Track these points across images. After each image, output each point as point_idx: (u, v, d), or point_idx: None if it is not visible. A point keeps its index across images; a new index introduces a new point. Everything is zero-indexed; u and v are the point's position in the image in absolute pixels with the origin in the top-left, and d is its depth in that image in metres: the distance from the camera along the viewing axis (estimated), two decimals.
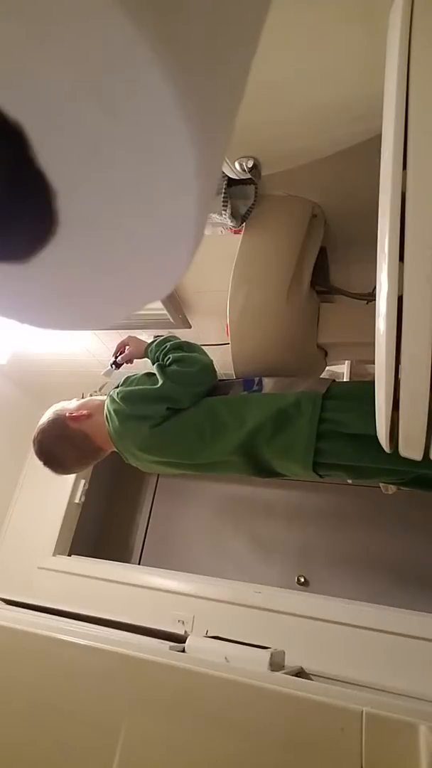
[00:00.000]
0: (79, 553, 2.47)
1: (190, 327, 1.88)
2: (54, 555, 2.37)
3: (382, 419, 0.58)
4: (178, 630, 1.33)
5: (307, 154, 1.06)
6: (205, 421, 1.01)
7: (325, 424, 0.93)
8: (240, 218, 1.21)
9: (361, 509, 2.57)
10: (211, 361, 1.09)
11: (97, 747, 0.70)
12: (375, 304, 0.54)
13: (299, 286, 1.23)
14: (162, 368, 1.05)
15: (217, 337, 1.63)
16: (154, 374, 1.07)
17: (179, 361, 1.06)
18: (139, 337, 1.26)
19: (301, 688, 0.68)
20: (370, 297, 1.29)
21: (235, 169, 1.02)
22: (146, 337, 1.32)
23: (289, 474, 1.04)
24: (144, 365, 1.15)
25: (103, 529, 2.95)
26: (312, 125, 0.96)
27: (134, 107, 0.15)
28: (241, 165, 1.01)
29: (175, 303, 1.76)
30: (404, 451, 0.57)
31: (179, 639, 1.01)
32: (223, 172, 1.05)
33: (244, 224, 1.24)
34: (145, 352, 1.18)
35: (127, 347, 1.24)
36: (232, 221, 1.20)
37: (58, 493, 2.51)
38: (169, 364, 1.06)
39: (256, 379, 1.08)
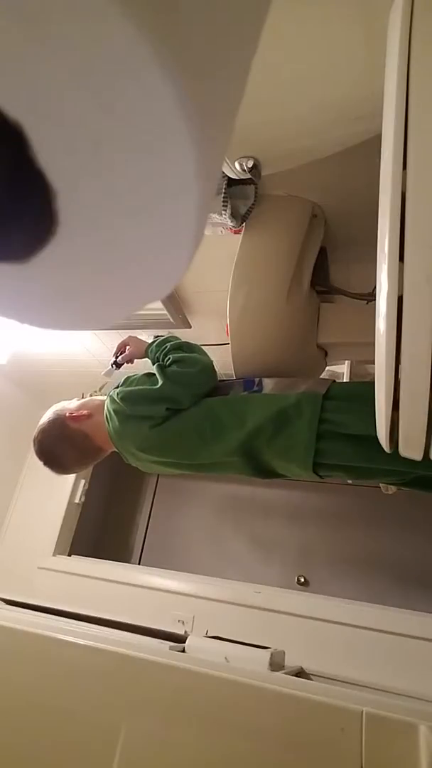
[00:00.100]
0: (79, 553, 2.47)
1: (190, 327, 1.88)
2: (54, 555, 2.37)
3: (382, 419, 0.58)
4: (178, 630, 1.33)
5: (307, 154, 1.06)
6: (205, 422, 1.01)
7: (325, 425, 0.93)
8: (240, 218, 1.21)
9: (361, 509, 2.57)
10: (212, 361, 1.09)
11: (97, 747, 0.70)
12: (375, 304, 0.54)
13: (299, 286, 1.23)
14: (162, 369, 1.05)
15: (217, 337, 1.63)
16: (154, 374, 1.07)
17: (179, 361, 1.06)
18: (140, 337, 1.26)
19: (301, 688, 0.68)
20: (370, 297, 1.29)
21: (235, 169, 1.02)
22: (146, 337, 1.32)
23: (289, 474, 1.04)
24: (144, 365, 1.15)
25: (103, 529, 2.95)
26: (312, 125, 0.96)
27: (134, 107, 0.15)
28: (241, 165, 1.01)
29: (175, 303, 1.76)
30: (404, 451, 0.57)
31: (179, 639, 1.01)
32: (223, 172, 1.05)
33: (244, 224, 1.24)
34: (146, 352, 1.18)
35: (127, 347, 1.24)
36: (232, 221, 1.20)
37: (58, 493, 2.51)
38: (169, 365, 1.06)
39: (257, 380, 1.08)
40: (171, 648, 0.86)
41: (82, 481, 2.56)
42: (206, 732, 0.67)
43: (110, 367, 1.26)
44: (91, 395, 1.20)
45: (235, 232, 1.26)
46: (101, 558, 2.42)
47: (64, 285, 0.22)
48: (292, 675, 0.97)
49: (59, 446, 1.11)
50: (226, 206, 1.17)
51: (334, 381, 1.03)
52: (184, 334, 1.53)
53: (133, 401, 1.04)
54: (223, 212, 1.17)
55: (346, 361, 1.63)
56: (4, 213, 0.18)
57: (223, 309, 1.25)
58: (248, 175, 1.02)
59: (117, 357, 1.25)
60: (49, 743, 0.73)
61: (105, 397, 1.12)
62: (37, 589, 2.21)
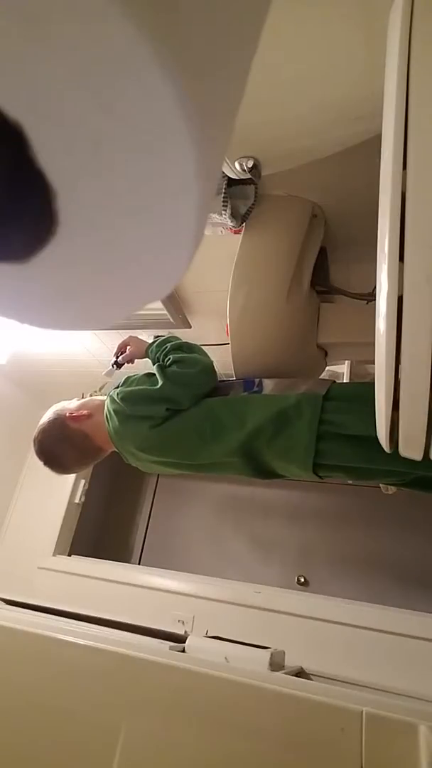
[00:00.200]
0: (79, 553, 2.47)
1: (190, 327, 1.88)
2: (54, 555, 2.37)
3: (382, 419, 0.58)
4: (178, 630, 1.33)
5: (307, 154, 1.06)
6: (205, 422, 1.01)
7: (325, 426, 0.93)
8: (240, 218, 1.21)
9: (361, 509, 2.57)
10: (212, 362, 1.09)
11: (97, 747, 0.70)
12: (375, 304, 0.54)
13: (299, 286, 1.23)
14: (162, 369, 1.05)
15: (217, 337, 1.63)
16: (154, 375, 1.07)
17: (179, 362, 1.06)
18: (140, 337, 1.26)
19: (301, 688, 0.68)
20: (370, 297, 1.29)
21: (235, 169, 1.02)
22: (146, 337, 1.32)
23: (289, 475, 1.04)
24: (145, 365, 1.15)
25: (103, 529, 2.95)
26: (312, 125, 0.96)
27: (134, 107, 0.15)
28: (241, 165, 1.01)
29: (175, 303, 1.76)
30: (404, 451, 0.57)
31: (179, 639, 1.01)
32: (223, 172, 1.05)
33: (244, 224, 1.24)
34: (146, 352, 1.18)
35: (128, 347, 1.24)
36: (232, 221, 1.20)
37: (58, 493, 2.51)
38: (170, 365, 1.06)
39: (257, 380, 1.08)
40: (171, 648, 0.86)
41: (82, 481, 2.56)
42: (206, 732, 0.67)
43: (111, 367, 1.26)
44: (91, 395, 1.20)
45: (235, 232, 1.26)
46: (101, 558, 2.42)
47: (64, 285, 0.22)
48: (292, 675, 0.97)
49: (59, 446, 1.11)
50: (226, 206, 1.17)
51: (334, 381, 1.03)
52: (184, 334, 1.53)
53: (133, 401, 1.04)
54: (223, 212, 1.17)
55: (346, 361, 1.63)
56: (4, 213, 0.18)
57: (223, 309, 1.25)
58: (248, 175, 1.02)
59: (117, 357, 1.25)
60: (49, 743, 0.73)
61: (105, 397, 1.12)
62: (37, 589, 2.21)
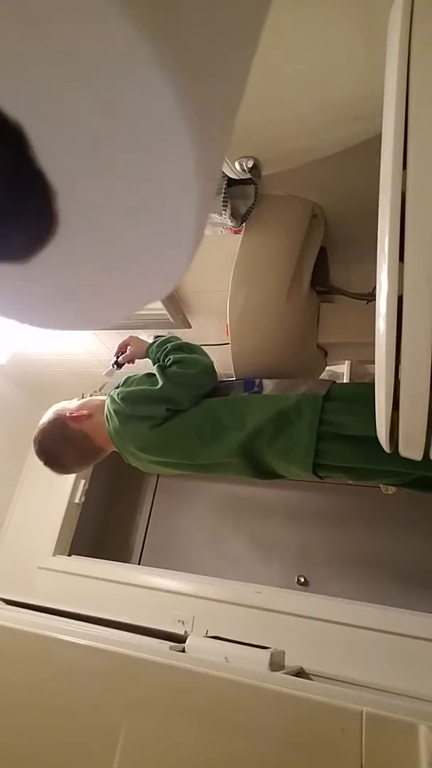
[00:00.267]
0: (79, 553, 2.47)
1: (190, 327, 1.88)
2: (54, 555, 2.37)
3: (382, 419, 0.58)
4: (178, 630, 1.33)
5: (307, 154, 1.06)
6: (206, 422, 1.01)
7: (325, 426, 0.93)
8: (240, 218, 1.21)
9: (361, 509, 2.57)
10: (212, 362, 1.09)
11: (97, 747, 0.70)
12: (375, 304, 0.54)
13: (299, 286, 1.23)
14: (162, 369, 1.05)
15: (217, 337, 1.63)
16: (154, 375, 1.07)
17: (180, 362, 1.06)
18: (140, 337, 1.26)
19: (301, 688, 0.68)
20: (370, 297, 1.29)
21: (235, 169, 1.02)
22: (146, 337, 1.32)
23: (289, 475, 1.04)
24: (145, 365, 1.15)
25: (103, 529, 2.95)
26: (312, 125, 0.96)
27: (134, 107, 0.15)
28: (241, 165, 1.01)
29: (175, 303, 1.76)
30: (404, 451, 0.57)
31: (179, 639, 1.01)
32: (223, 172, 1.05)
33: (244, 224, 1.24)
34: (146, 352, 1.18)
35: (128, 347, 1.24)
36: (232, 221, 1.20)
37: (58, 493, 2.51)
38: (170, 366, 1.06)
39: (257, 381, 1.08)
40: (171, 648, 0.86)
41: (82, 481, 2.56)
42: (206, 732, 0.67)
43: (111, 367, 1.26)
44: (91, 395, 1.20)
45: (235, 232, 1.26)
46: (101, 558, 2.42)
47: (64, 285, 0.22)
48: (292, 675, 0.97)
49: (59, 446, 1.11)
50: (226, 206, 1.17)
51: (335, 382, 1.03)
52: (184, 334, 1.53)
53: (134, 401, 1.04)
54: (223, 212, 1.17)
55: (346, 361, 1.63)
56: (4, 213, 0.18)
57: (223, 309, 1.25)
58: (248, 175, 1.02)
59: (118, 357, 1.25)
60: (49, 743, 0.73)
61: (105, 397, 1.12)
62: (37, 589, 2.21)
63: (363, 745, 0.60)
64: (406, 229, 0.47)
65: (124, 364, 1.25)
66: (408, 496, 1.42)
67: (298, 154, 1.06)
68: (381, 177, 0.51)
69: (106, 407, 1.08)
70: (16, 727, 0.76)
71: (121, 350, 1.25)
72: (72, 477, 2.48)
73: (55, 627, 0.87)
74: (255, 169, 1.01)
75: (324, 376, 1.45)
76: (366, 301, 1.29)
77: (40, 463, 1.12)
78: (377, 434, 0.61)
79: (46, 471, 1.13)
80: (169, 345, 1.12)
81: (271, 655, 0.94)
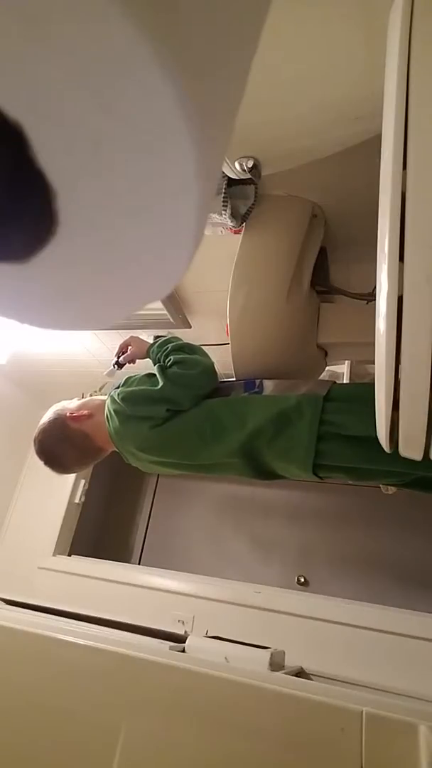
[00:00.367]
0: (79, 553, 2.47)
1: (190, 327, 1.88)
2: (54, 555, 2.37)
3: (382, 419, 0.58)
4: (178, 630, 1.33)
5: (307, 154, 1.06)
6: (206, 423, 1.01)
7: (325, 426, 0.93)
8: (240, 218, 1.21)
9: (361, 509, 2.57)
10: (212, 363, 1.10)
11: (97, 747, 0.70)
12: (375, 304, 0.54)
13: (299, 286, 1.23)
14: (163, 370, 1.05)
15: (217, 337, 1.63)
16: (154, 375, 1.07)
17: (180, 363, 1.06)
18: (140, 337, 1.26)
19: (301, 688, 0.68)
20: (370, 297, 1.29)
21: (235, 169, 1.02)
22: (146, 337, 1.32)
23: (289, 476, 1.04)
24: (146, 366, 1.15)
25: (103, 529, 2.95)
26: (312, 125, 0.96)
27: (134, 107, 0.15)
28: (241, 165, 1.01)
29: (175, 303, 1.76)
30: (404, 451, 0.57)
31: (179, 639, 1.01)
32: (223, 172, 1.05)
33: (244, 224, 1.24)
34: (147, 352, 1.18)
35: (129, 347, 1.24)
36: (232, 221, 1.20)
37: (58, 493, 2.51)
38: (170, 366, 1.06)
39: (257, 381, 1.08)
40: (171, 648, 0.86)
41: (82, 481, 2.56)
42: (206, 732, 0.67)
43: (112, 367, 1.26)
44: (91, 395, 1.20)
45: (235, 232, 1.26)
46: (101, 558, 2.42)
47: (64, 285, 0.22)
48: (292, 675, 0.97)
49: (60, 446, 1.11)
50: (226, 206, 1.17)
51: (335, 382, 1.03)
52: (184, 334, 1.53)
53: (134, 402, 1.04)
54: (223, 212, 1.17)
55: (346, 361, 1.63)
56: (4, 213, 0.18)
57: (223, 309, 1.25)
58: (248, 175, 1.02)
59: (119, 357, 1.25)
60: (49, 743, 0.73)
61: (105, 396, 1.12)
62: (37, 589, 2.21)
63: (363, 745, 0.60)
64: (406, 229, 0.47)
65: (125, 364, 1.25)
66: (408, 496, 1.42)
67: (298, 154, 1.06)
68: (381, 177, 0.51)
69: (106, 407, 1.08)
70: (16, 727, 0.76)
71: (122, 350, 1.25)
72: (72, 477, 2.48)
73: (55, 627, 0.87)
74: (255, 169, 1.01)
75: (324, 376, 1.45)
76: (366, 301, 1.29)
77: (40, 463, 1.12)
78: (377, 434, 0.61)
79: (46, 471, 1.13)
80: (170, 345, 1.12)
81: (271, 655, 0.94)
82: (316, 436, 0.93)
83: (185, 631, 1.32)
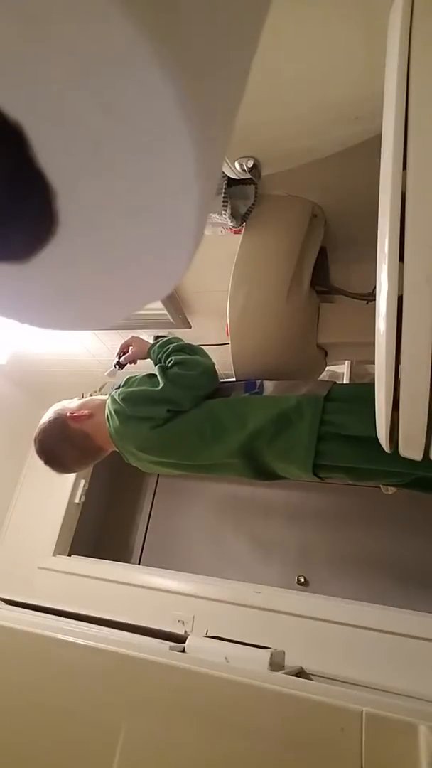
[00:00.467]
0: (79, 553, 2.47)
1: (190, 327, 1.88)
2: (54, 555, 2.37)
3: (382, 419, 0.58)
4: (178, 630, 1.33)
5: (307, 154, 1.06)
6: (206, 423, 1.01)
7: (325, 426, 0.93)
8: (240, 218, 1.21)
9: (361, 509, 2.57)
10: (213, 363, 1.10)
11: (97, 747, 0.70)
12: (375, 304, 0.54)
13: (299, 286, 1.23)
14: (163, 370, 1.05)
15: (217, 337, 1.63)
16: (155, 375, 1.07)
17: (181, 363, 1.06)
18: (141, 337, 1.26)
19: (301, 688, 0.68)
20: (370, 297, 1.29)
21: (235, 169, 1.02)
22: (147, 337, 1.32)
23: (289, 476, 1.04)
24: (147, 366, 1.15)
25: (103, 529, 2.95)
26: (312, 125, 0.96)
27: (134, 107, 0.15)
28: (241, 165, 1.01)
29: (175, 303, 1.76)
30: (404, 451, 0.57)
31: (179, 639, 1.01)
32: (223, 172, 1.05)
33: (244, 224, 1.24)
34: (148, 353, 1.18)
35: (130, 348, 1.24)
36: (232, 221, 1.20)
37: (58, 493, 2.51)
38: (171, 367, 1.06)
39: (258, 382, 1.08)
40: (171, 648, 0.86)
41: (82, 481, 2.56)
42: (206, 732, 0.67)
43: (113, 367, 1.26)
44: (91, 395, 1.20)
45: (235, 232, 1.26)
46: (101, 558, 2.42)
47: (64, 285, 0.22)
48: (292, 675, 0.97)
49: (60, 446, 1.11)
50: (226, 206, 1.17)
51: (335, 383, 1.03)
52: (184, 334, 1.53)
53: (134, 402, 1.04)
54: (223, 212, 1.17)
55: (346, 361, 1.63)
56: (4, 213, 0.18)
57: (223, 309, 1.25)
58: (248, 175, 1.02)
59: (120, 357, 1.25)
60: (49, 743, 0.73)
61: (105, 396, 1.12)
62: (37, 589, 2.21)
63: (363, 745, 0.60)
64: (406, 229, 0.47)
65: (126, 364, 1.25)
66: (408, 497, 1.42)
67: (298, 154, 1.06)
68: (381, 177, 0.51)
69: (106, 407, 1.08)
70: (16, 727, 0.76)
71: (123, 351, 1.25)
72: (72, 477, 2.48)
73: (55, 627, 0.87)
74: (255, 169, 1.01)
75: (324, 376, 1.45)
76: (366, 301, 1.29)
77: (40, 463, 1.12)
78: (377, 434, 0.61)
79: (46, 471, 1.13)
80: (171, 346, 1.12)
81: (271, 655, 0.94)
82: (317, 436, 0.93)
83: (185, 631, 1.32)
